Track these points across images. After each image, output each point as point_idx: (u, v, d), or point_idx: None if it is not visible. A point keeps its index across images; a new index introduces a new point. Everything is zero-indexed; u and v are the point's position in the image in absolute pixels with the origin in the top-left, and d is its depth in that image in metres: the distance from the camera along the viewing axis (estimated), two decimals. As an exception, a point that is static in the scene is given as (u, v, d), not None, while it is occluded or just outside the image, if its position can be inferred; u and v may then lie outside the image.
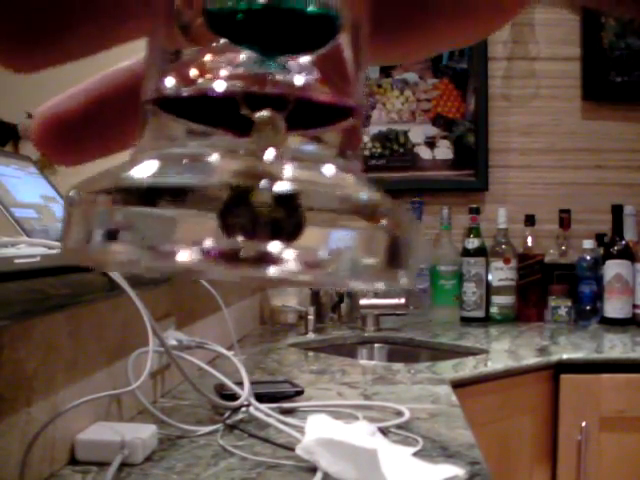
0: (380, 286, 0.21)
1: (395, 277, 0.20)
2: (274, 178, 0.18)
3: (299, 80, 0.20)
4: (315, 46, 0.21)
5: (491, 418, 1.54)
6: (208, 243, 0.18)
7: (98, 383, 0.95)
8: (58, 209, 1.24)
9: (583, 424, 1.65)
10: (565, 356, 1.69)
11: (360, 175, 0.21)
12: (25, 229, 1.05)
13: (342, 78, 0.22)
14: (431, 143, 2.36)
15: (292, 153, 0.20)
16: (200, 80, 0.21)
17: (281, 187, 0.18)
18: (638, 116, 2.38)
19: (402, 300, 2.03)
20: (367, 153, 2.36)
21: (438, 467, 0.88)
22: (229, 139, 0.20)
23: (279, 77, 0.20)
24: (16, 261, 0.67)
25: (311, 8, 0.20)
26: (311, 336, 1.94)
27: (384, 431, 1.03)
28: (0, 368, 0.73)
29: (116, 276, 0.87)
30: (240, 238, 0.18)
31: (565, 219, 2.23)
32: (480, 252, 2.19)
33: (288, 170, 0.19)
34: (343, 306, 2.17)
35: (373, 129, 2.36)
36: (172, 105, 0.21)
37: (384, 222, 0.20)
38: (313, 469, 0.86)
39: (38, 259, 0.71)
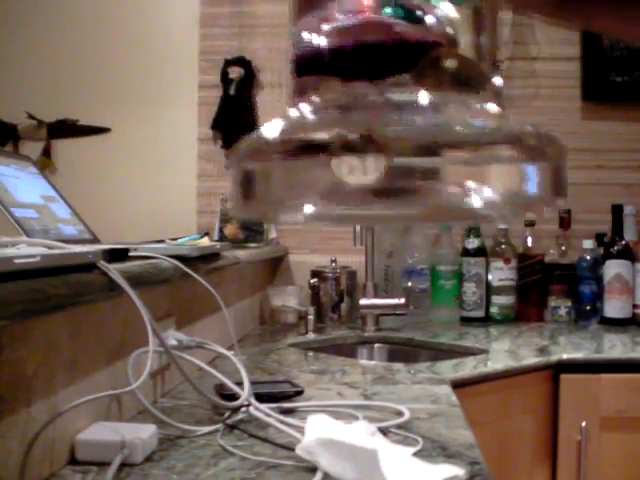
0: (544, 213, 0.22)
1: (554, 203, 0.22)
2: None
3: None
4: None
5: (491, 418, 1.54)
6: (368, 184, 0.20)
7: (98, 383, 0.95)
8: (58, 209, 1.24)
9: (583, 424, 1.65)
10: (565, 356, 1.69)
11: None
12: (25, 229, 1.05)
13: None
14: (431, 143, 2.36)
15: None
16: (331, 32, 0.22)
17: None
18: (638, 116, 2.38)
19: (402, 300, 2.03)
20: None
21: (438, 467, 0.88)
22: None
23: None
24: (16, 261, 0.67)
25: None
26: (311, 336, 1.94)
27: (384, 431, 1.03)
28: (0, 368, 0.73)
29: (116, 276, 0.87)
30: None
31: (565, 219, 2.23)
32: (480, 252, 2.19)
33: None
34: (343, 306, 2.17)
35: (373, 129, 2.36)
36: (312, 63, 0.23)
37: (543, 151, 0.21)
38: (313, 469, 0.86)
39: (38, 259, 0.71)
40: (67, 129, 2.45)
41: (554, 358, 1.68)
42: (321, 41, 0.23)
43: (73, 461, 0.88)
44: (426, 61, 0.22)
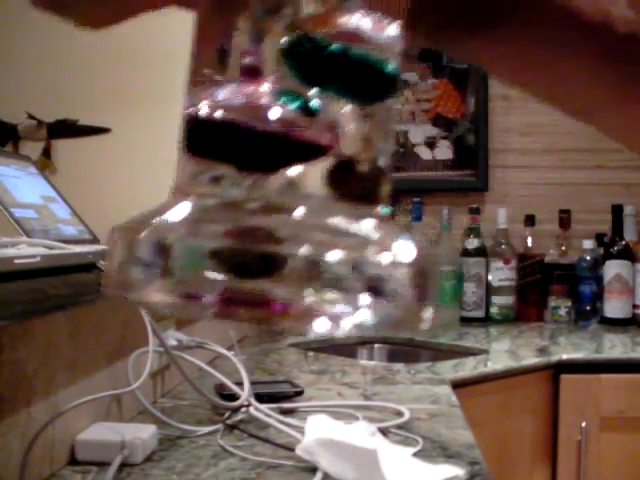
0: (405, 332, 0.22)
1: (419, 323, 0.21)
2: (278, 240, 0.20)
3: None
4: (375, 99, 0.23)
5: (491, 418, 1.54)
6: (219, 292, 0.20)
7: (98, 383, 0.95)
8: (58, 209, 1.24)
9: (583, 424, 1.65)
10: (565, 356, 1.69)
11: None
12: (25, 229, 1.05)
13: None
14: (431, 143, 2.36)
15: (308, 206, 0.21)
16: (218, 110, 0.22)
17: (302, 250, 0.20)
18: (638, 116, 2.38)
19: (402, 300, 2.03)
20: (367, 153, 2.35)
21: (438, 467, 0.88)
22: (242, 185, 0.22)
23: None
24: (16, 261, 0.67)
25: (390, 69, 0.23)
26: (311, 336, 1.94)
27: (384, 431, 1.03)
28: (0, 368, 0.73)
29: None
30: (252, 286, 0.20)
31: (565, 219, 2.23)
32: (480, 252, 2.19)
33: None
34: (343, 306, 2.17)
35: (373, 129, 2.35)
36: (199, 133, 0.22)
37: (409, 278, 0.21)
38: (313, 469, 0.86)
39: (38, 259, 0.71)
40: (67, 129, 2.45)
41: (554, 358, 1.68)
42: (203, 118, 0.23)
43: (73, 461, 0.88)
44: (317, 161, 0.22)
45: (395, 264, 0.21)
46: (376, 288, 0.20)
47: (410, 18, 0.25)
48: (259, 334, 1.99)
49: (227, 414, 1.07)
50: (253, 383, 1.15)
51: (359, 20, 0.22)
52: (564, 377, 1.68)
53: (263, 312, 0.20)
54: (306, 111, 0.22)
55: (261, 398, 1.12)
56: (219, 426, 1.03)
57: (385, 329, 0.21)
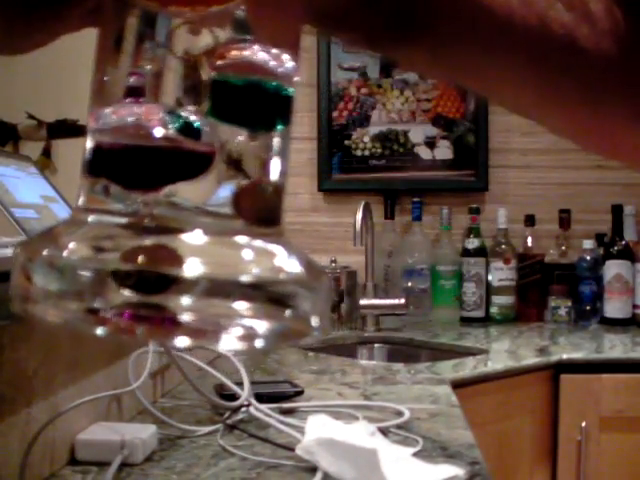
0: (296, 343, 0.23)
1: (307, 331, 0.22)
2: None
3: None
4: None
5: (491, 418, 1.54)
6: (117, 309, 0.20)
7: (98, 383, 0.95)
8: (58, 209, 1.24)
9: (583, 424, 1.65)
10: (565, 356, 1.69)
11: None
12: (25, 229, 1.05)
13: None
14: (431, 143, 2.36)
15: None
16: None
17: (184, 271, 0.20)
18: (638, 116, 2.38)
19: (402, 300, 2.03)
20: (367, 153, 2.35)
21: (438, 467, 0.88)
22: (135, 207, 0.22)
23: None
24: (16, 261, 0.67)
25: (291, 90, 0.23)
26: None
27: (384, 431, 1.03)
28: (0, 368, 0.73)
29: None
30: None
31: (565, 219, 2.23)
32: (480, 252, 2.19)
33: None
34: (343, 306, 2.17)
35: (373, 129, 2.36)
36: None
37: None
38: (313, 469, 0.86)
39: (38, 259, 0.71)
40: (67, 129, 2.45)
41: (554, 358, 1.68)
42: (97, 137, 0.23)
43: (73, 461, 0.88)
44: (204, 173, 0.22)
45: (284, 274, 0.22)
46: (273, 300, 0.21)
47: (342, 24, 0.26)
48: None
49: (227, 414, 1.07)
50: (253, 383, 1.15)
51: (256, 52, 0.23)
52: (564, 377, 1.68)
53: (162, 329, 0.20)
54: (189, 131, 0.22)
55: (261, 398, 1.12)
56: (219, 426, 1.03)
57: (278, 340, 0.22)
